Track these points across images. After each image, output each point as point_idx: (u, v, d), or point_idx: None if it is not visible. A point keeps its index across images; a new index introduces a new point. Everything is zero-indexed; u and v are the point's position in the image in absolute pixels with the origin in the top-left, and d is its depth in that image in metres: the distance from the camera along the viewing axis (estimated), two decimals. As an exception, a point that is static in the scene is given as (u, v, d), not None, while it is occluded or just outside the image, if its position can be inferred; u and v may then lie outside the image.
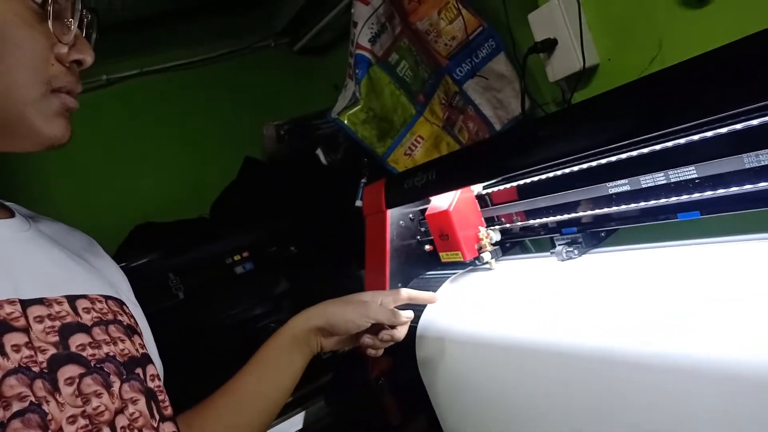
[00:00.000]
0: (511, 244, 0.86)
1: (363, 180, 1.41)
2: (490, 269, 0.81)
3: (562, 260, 0.71)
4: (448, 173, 0.80)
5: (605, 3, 0.97)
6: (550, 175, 0.72)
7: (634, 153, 0.61)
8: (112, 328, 0.54)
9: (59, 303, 0.51)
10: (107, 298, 0.56)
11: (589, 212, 0.68)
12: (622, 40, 0.98)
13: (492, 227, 0.83)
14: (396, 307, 0.76)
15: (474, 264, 0.83)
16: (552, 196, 0.72)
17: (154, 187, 1.75)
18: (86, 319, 0.52)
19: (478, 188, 0.83)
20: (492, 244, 0.81)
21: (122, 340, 0.54)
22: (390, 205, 0.92)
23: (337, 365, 1.25)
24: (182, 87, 1.80)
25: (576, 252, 0.70)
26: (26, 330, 0.47)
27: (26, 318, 0.48)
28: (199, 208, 1.69)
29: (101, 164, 1.68)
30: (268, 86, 1.92)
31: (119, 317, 0.56)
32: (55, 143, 0.53)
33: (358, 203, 1.40)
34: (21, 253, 0.53)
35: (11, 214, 0.57)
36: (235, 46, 1.88)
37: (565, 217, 0.71)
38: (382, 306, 0.74)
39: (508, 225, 0.81)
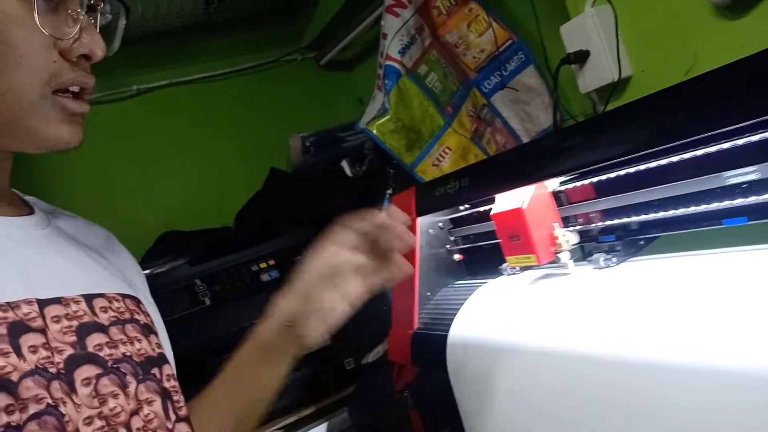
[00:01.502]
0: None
1: (389, 191, 1.41)
2: (566, 273, 0.73)
3: (599, 268, 0.70)
4: (482, 180, 0.80)
5: (639, 14, 0.97)
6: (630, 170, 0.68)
7: (675, 159, 0.60)
8: (129, 327, 0.54)
9: (76, 302, 0.51)
10: (124, 296, 0.56)
11: (635, 218, 0.66)
12: (656, 51, 0.97)
13: (569, 227, 0.74)
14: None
15: (550, 267, 0.75)
16: (621, 196, 0.67)
17: (180, 196, 1.77)
18: (103, 318, 0.52)
19: (554, 184, 0.74)
20: (570, 246, 0.72)
21: (139, 340, 0.54)
22: (420, 213, 0.92)
23: (361, 376, 1.24)
24: (210, 98, 1.83)
25: (614, 260, 0.69)
26: (43, 330, 0.47)
27: (43, 318, 0.47)
28: (224, 218, 1.70)
29: (129, 171, 1.70)
30: (294, 99, 1.94)
31: (136, 316, 0.56)
32: (61, 147, 0.51)
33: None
34: (38, 251, 0.53)
35: (30, 210, 0.57)
36: (262, 59, 1.91)
37: (639, 219, 0.69)
38: (362, 278, 0.61)
39: (587, 225, 0.72)
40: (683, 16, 0.91)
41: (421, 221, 0.93)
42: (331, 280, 0.62)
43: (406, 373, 1.05)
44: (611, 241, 0.70)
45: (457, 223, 0.94)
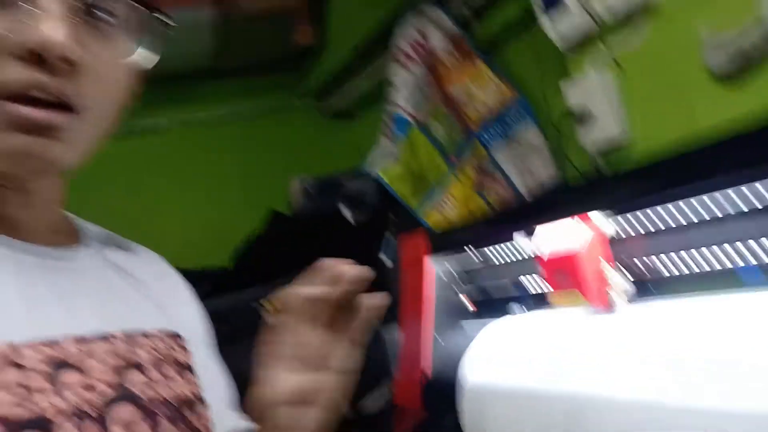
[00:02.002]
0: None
1: (390, 236, 1.44)
2: (615, 315, 0.71)
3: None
4: (493, 227, 0.83)
5: (640, 78, 1.03)
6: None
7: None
8: (166, 366, 0.52)
9: (118, 339, 0.50)
10: (165, 333, 0.55)
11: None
12: (655, 114, 1.03)
13: (620, 270, 0.72)
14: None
15: (601, 312, 0.72)
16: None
17: (181, 235, 1.77)
18: (142, 357, 0.51)
19: (605, 224, 0.73)
20: (622, 290, 0.71)
21: (175, 380, 0.53)
22: (431, 255, 0.94)
23: (362, 424, 1.22)
24: (215, 140, 1.86)
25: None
26: (83, 369, 0.46)
27: (84, 355, 0.47)
28: (221, 258, 1.71)
29: (131, 208, 1.71)
30: (296, 145, 1.98)
31: (175, 354, 0.54)
32: (31, 165, 0.45)
33: (383, 258, 1.42)
34: (85, 285, 0.52)
35: (82, 239, 0.56)
36: (267, 104, 1.96)
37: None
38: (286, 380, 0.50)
39: (637, 269, 0.72)
40: (683, 82, 0.98)
41: (431, 264, 0.95)
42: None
43: (407, 418, 1.04)
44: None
45: (466, 265, 0.97)
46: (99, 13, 0.47)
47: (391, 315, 1.44)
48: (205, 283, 1.42)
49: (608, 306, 0.69)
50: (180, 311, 0.61)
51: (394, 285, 1.43)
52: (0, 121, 0.43)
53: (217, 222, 1.81)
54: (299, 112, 2.02)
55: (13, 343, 0.43)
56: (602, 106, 1.06)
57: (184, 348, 0.57)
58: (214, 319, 1.22)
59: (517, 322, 0.82)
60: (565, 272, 0.70)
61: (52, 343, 0.45)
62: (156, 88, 1.75)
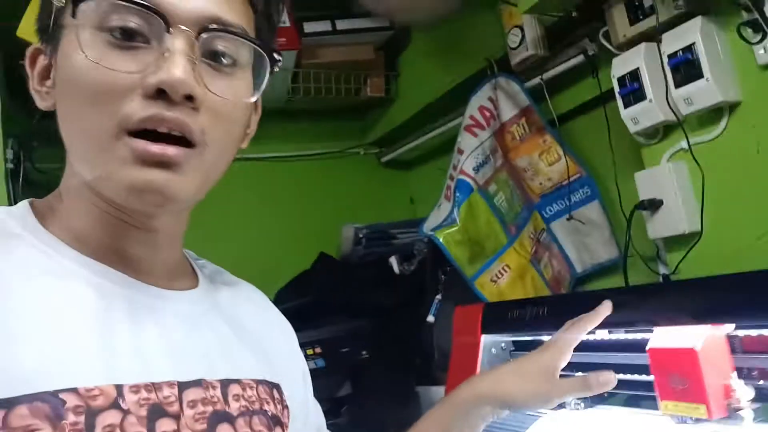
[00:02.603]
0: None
1: (438, 296, 1.43)
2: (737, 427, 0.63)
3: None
4: (558, 314, 0.81)
5: (715, 174, 1.02)
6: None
7: None
8: (255, 419, 0.53)
9: (214, 387, 0.51)
10: (259, 382, 0.56)
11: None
12: (730, 211, 1.01)
13: (744, 379, 0.64)
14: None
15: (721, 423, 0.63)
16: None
17: (226, 267, 1.80)
18: (234, 408, 0.52)
19: (728, 327, 0.66)
20: (748, 401, 0.62)
21: None
22: (486, 331, 0.93)
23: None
24: (274, 177, 1.91)
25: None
26: (178, 416, 0.47)
27: (180, 403, 0.48)
28: (266, 291, 1.72)
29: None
30: (351, 190, 2.02)
31: (266, 406, 0.55)
32: (147, 198, 0.47)
33: (430, 318, 1.41)
34: (192, 330, 0.53)
35: (195, 282, 0.58)
36: (328, 148, 2.00)
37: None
38: (564, 381, 0.65)
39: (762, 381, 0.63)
40: (760, 181, 0.96)
41: (485, 339, 0.94)
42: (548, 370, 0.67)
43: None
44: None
45: (519, 346, 0.95)
46: (221, 54, 0.49)
47: (430, 376, 1.42)
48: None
49: (727, 415, 0.63)
50: (281, 356, 0.63)
51: (436, 345, 1.42)
52: (124, 155, 0.46)
53: (268, 257, 1.84)
54: (360, 159, 2.06)
55: (118, 384, 0.45)
56: (674, 199, 1.05)
57: (280, 400, 0.58)
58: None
59: (570, 418, 0.80)
60: (679, 373, 0.64)
61: (153, 387, 0.47)
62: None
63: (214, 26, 0.48)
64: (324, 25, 1.61)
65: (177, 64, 0.45)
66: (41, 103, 0.52)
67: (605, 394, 0.83)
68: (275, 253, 1.86)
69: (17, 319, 0.45)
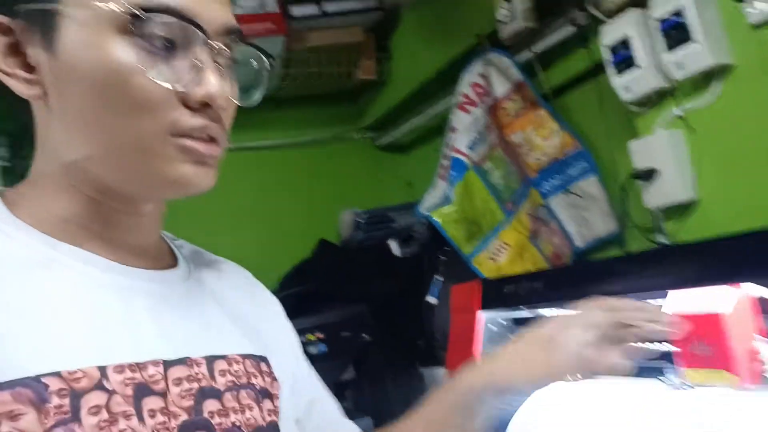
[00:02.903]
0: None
1: (438, 277, 1.43)
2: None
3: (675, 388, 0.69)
4: (554, 286, 0.81)
5: (711, 141, 1.01)
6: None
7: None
8: (243, 393, 0.54)
9: (198, 364, 0.52)
10: (246, 357, 0.57)
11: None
12: (725, 178, 1.00)
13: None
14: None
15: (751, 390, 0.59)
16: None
17: (226, 257, 1.80)
18: (220, 383, 0.53)
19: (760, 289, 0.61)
20: None
21: (251, 408, 0.54)
22: (485, 307, 0.93)
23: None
24: (270, 166, 1.90)
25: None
26: (164, 394, 0.48)
27: (166, 380, 0.49)
28: (267, 281, 1.72)
29: (183, 225, 1.75)
30: (348, 175, 2.01)
31: (253, 380, 0.56)
32: (191, 189, 0.50)
33: (431, 299, 1.41)
34: (174, 308, 0.54)
35: (174, 261, 0.59)
36: (323, 134, 1.99)
37: None
38: (577, 353, 0.59)
39: None
40: (756, 147, 0.95)
41: (484, 316, 0.94)
42: (549, 346, 0.62)
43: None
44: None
45: (519, 321, 0.95)
46: (234, 60, 0.53)
47: (434, 357, 1.42)
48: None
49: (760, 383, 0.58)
50: (269, 331, 0.64)
51: (438, 327, 1.42)
52: (171, 154, 0.49)
53: (268, 246, 1.84)
54: (355, 144, 2.05)
55: (101, 366, 0.46)
56: (670, 167, 1.03)
57: (269, 373, 0.58)
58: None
59: (570, 390, 0.80)
60: (705, 341, 0.58)
61: (140, 368, 0.48)
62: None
63: (234, 37, 0.52)
64: (311, 9, 1.59)
65: (216, 77, 0.49)
66: (26, 91, 0.49)
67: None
68: (276, 242, 1.86)
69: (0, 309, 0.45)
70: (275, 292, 1.65)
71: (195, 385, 0.50)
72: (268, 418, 0.56)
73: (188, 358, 0.51)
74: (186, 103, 0.49)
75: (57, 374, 0.44)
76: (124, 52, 0.47)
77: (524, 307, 0.90)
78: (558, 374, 0.62)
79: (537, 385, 0.65)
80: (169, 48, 0.48)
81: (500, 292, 0.89)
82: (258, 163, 1.89)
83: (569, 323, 0.62)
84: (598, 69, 1.20)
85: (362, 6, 1.65)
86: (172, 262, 0.59)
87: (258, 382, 0.56)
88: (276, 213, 1.89)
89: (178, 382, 0.49)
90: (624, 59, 1.03)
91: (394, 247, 1.66)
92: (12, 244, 0.49)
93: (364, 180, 2.06)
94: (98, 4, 0.46)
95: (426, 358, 1.45)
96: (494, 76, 1.36)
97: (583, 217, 1.36)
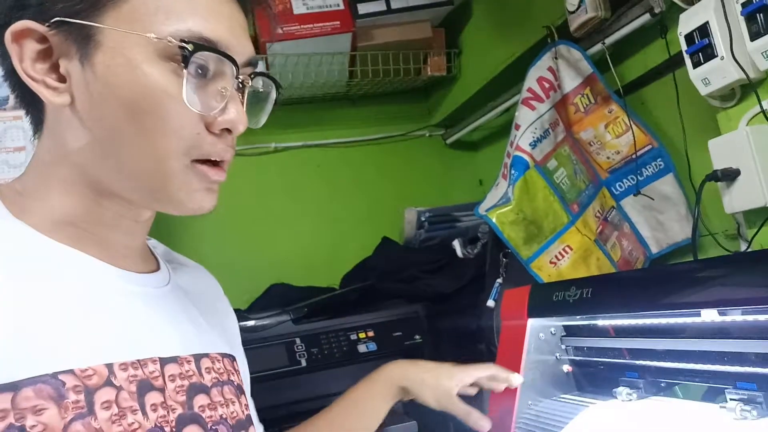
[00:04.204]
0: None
1: (499, 280, 1.37)
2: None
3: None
4: (607, 295, 0.75)
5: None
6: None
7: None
8: (226, 389, 0.57)
9: (188, 362, 0.55)
10: (224, 356, 0.60)
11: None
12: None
13: None
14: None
15: None
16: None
17: (293, 251, 1.84)
18: (207, 379, 0.56)
19: None
20: None
21: (233, 402, 0.57)
22: (532, 315, 0.87)
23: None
24: (338, 163, 1.91)
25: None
26: (162, 390, 0.51)
27: (163, 377, 0.51)
28: (330, 278, 1.74)
29: (250, 220, 1.80)
30: (416, 173, 1.98)
31: (232, 377, 0.59)
32: (196, 213, 0.54)
33: (490, 303, 1.36)
34: (162, 309, 0.57)
35: (156, 263, 0.62)
36: (392, 131, 1.98)
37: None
38: (460, 401, 0.79)
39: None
40: None
41: (532, 324, 0.88)
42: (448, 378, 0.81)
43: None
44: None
45: (570, 331, 0.89)
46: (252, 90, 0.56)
47: (492, 362, 1.37)
48: (313, 301, 1.45)
49: None
50: (231, 330, 0.68)
51: (497, 332, 1.36)
52: (196, 186, 0.52)
53: (333, 243, 1.85)
54: (425, 141, 2.02)
55: (108, 363, 0.49)
56: (753, 168, 0.93)
57: (238, 371, 0.62)
58: (315, 340, 1.24)
59: (622, 410, 0.73)
60: None
61: (141, 365, 0.50)
62: (291, 110, 1.85)
63: (254, 69, 0.55)
64: (378, 5, 1.58)
65: (239, 107, 0.53)
66: (54, 98, 0.51)
67: (662, 384, 0.76)
68: (342, 239, 1.87)
69: (15, 309, 0.47)
70: (338, 289, 1.67)
71: (186, 382, 0.53)
72: (246, 412, 0.59)
73: (178, 356, 0.54)
74: (209, 127, 0.52)
75: (71, 372, 0.46)
76: (161, 76, 0.49)
77: (574, 316, 0.84)
78: (440, 403, 0.80)
79: (432, 401, 0.81)
80: (201, 75, 0.50)
81: (549, 299, 0.84)
82: (326, 160, 1.91)
83: (469, 369, 0.79)
84: (676, 61, 1.11)
85: (430, 1, 1.62)
86: (153, 262, 0.62)
87: (235, 378, 0.60)
88: (342, 210, 1.90)
89: (173, 378, 0.52)
90: (702, 48, 0.94)
91: (458, 247, 1.62)
92: (18, 249, 0.51)
93: (434, 178, 2.02)
94: (142, 34, 0.49)
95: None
96: (563, 70, 1.29)
97: (659, 220, 1.26)
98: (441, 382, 0.77)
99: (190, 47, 0.48)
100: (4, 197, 0.54)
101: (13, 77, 0.53)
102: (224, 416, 0.55)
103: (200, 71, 0.50)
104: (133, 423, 0.48)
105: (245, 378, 0.69)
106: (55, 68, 0.51)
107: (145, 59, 0.49)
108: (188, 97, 0.49)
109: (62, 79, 0.51)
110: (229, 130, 0.53)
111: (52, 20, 0.49)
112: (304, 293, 1.56)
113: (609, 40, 1.21)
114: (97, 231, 0.55)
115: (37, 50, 0.51)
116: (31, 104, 0.55)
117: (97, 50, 0.49)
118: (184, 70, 0.49)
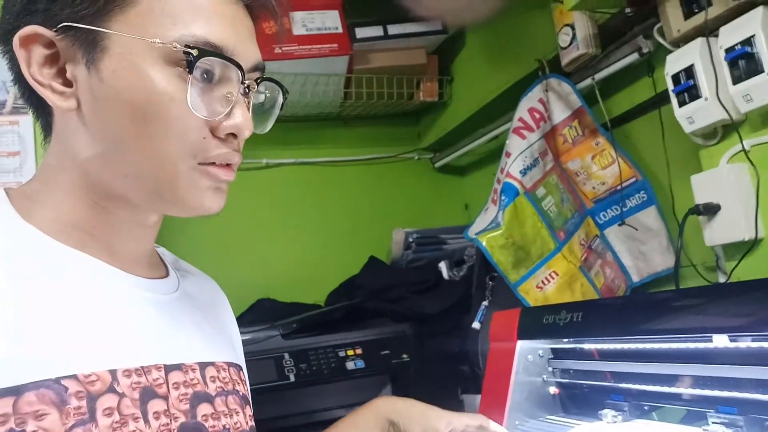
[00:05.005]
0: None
1: (485, 303, 1.40)
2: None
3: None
4: (596, 320, 0.78)
5: (780, 177, 0.95)
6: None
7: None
8: (230, 399, 0.57)
9: (193, 370, 0.54)
10: (230, 365, 0.60)
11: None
12: (795, 218, 0.93)
13: None
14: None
15: None
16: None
17: (281, 267, 1.84)
18: (211, 388, 0.55)
19: None
20: None
21: (237, 413, 0.57)
22: (522, 337, 0.90)
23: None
24: (327, 181, 1.94)
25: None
26: (166, 397, 0.50)
27: (167, 384, 0.51)
28: (316, 295, 1.75)
29: (239, 234, 1.81)
30: (403, 195, 2.01)
31: (237, 387, 0.59)
32: (205, 213, 0.54)
33: (476, 325, 1.38)
34: (169, 316, 0.56)
35: (165, 270, 0.61)
36: (382, 153, 2.01)
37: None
38: None
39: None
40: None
41: (521, 346, 0.91)
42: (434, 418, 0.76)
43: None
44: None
45: (558, 354, 0.92)
46: (257, 95, 0.56)
47: (476, 384, 1.39)
48: (300, 317, 1.46)
49: None
50: (237, 341, 0.68)
51: (482, 353, 1.39)
52: (205, 185, 0.52)
53: (320, 260, 1.87)
54: (414, 164, 2.05)
55: (112, 369, 0.48)
56: (733, 203, 0.98)
57: (244, 381, 0.62)
58: (304, 356, 1.25)
59: (606, 430, 0.76)
60: None
61: (145, 372, 0.50)
62: (284, 126, 1.87)
63: (262, 74, 0.55)
64: (376, 30, 1.62)
65: (244, 111, 0.52)
66: (61, 103, 0.51)
67: (646, 407, 0.79)
68: (328, 257, 1.89)
69: (20, 312, 0.47)
70: (323, 306, 1.67)
71: (190, 390, 0.53)
72: (250, 423, 0.59)
73: (183, 364, 0.54)
74: (214, 132, 0.51)
75: (74, 377, 0.46)
76: (166, 81, 0.49)
77: (562, 339, 0.87)
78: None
79: None
80: (206, 80, 0.50)
81: (539, 322, 0.87)
82: (317, 178, 1.93)
83: (459, 415, 0.77)
84: (661, 99, 1.16)
85: (426, 29, 1.67)
86: (162, 269, 0.61)
87: (240, 389, 0.59)
88: (330, 228, 1.91)
89: (177, 386, 0.52)
90: (687, 88, 0.99)
91: (444, 269, 1.64)
92: (26, 251, 0.50)
93: (421, 200, 2.05)
94: (148, 39, 0.49)
95: (468, 385, 1.42)
96: (553, 102, 1.34)
97: (641, 250, 1.30)
98: (430, 421, 0.74)
99: (195, 53, 0.48)
100: (13, 200, 0.54)
101: (21, 82, 0.53)
102: (227, 426, 0.55)
103: (206, 76, 0.50)
104: (134, 431, 0.47)
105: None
106: (61, 73, 0.51)
107: (151, 64, 0.49)
108: (193, 101, 0.49)
109: (68, 83, 0.51)
110: (234, 135, 0.53)
111: (60, 25, 0.49)
112: (290, 309, 1.57)
113: (598, 76, 1.26)
114: (104, 235, 0.54)
115: (44, 55, 0.51)
116: (40, 109, 0.55)
117: (103, 55, 0.50)
118: (189, 75, 0.49)
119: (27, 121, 1.34)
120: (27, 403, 0.43)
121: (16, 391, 0.43)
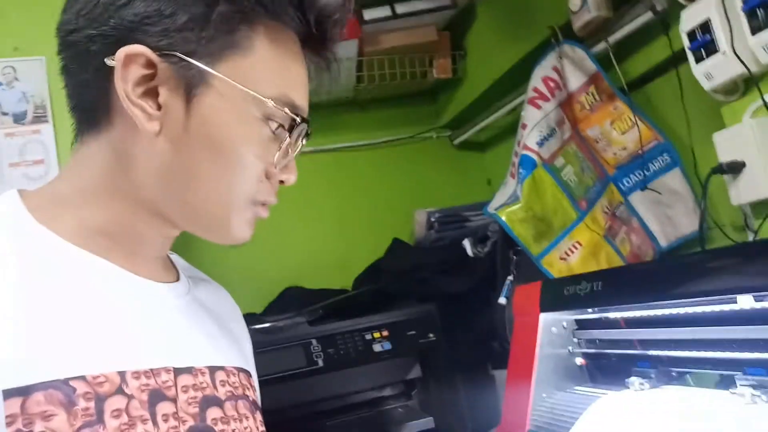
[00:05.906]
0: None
1: (510, 278, 1.39)
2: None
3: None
4: (616, 287, 0.77)
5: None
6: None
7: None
8: (240, 403, 0.57)
9: (203, 373, 0.55)
10: (240, 370, 0.60)
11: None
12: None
13: None
14: None
15: None
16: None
17: (306, 254, 1.86)
18: (221, 392, 0.55)
19: None
20: None
21: (246, 418, 0.57)
22: (544, 309, 0.89)
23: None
24: (348, 167, 1.94)
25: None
26: (174, 400, 0.51)
27: (176, 387, 0.51)
28: (344, 280, 1.77)
29: (261, 226, 1.82)
30: (424, 175, 2.00)
31: (247, 392, 0.59)
32: (237, 243, 0.58)
33: (502, 300, 1.38)
34: (180, 319, 0.57)
35: (176, 274, 0.62)
36: (400, 134, 2.00)
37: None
38: None
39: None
40: None
41: (544, 318, 0.90)
42: None
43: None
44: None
45: (582, 324, 0.90)
46: None
47: (506, 360, 1.39)
48: (326, 303, 1.48)
49: None
50: (248, 347, 0.68)
51: (510, 329, 1.38)
52: (249, 218, 0.57)
53: (344, 246, 1.88)
54: (433, 143, 2.04)
55: (121, 371, 0.49)
56: (759, 159, 0.94)
57: (253, 387, 0.62)
58: (331, 341, 1.27)
59: (634, 398, 0.75)
60: None
61: (154, 374, 0.51)
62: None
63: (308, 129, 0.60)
64: (383, 11, 1.60)
65: (294, 170, 0.60)
66: (146, 124, 0.51)
67: (673, 374, 0.78)
68: (353, 242, 1.90)
69: (30, 313, 0.48)
70: (350, 291, 1.69)
71: (200, 394, 0.53)
72: (261, 428, 0.59)
73: (193, 367, 0.54)
74: (269, 177, 0.57)
75: (82, 378, 0.46)
76: (256, 132, 0.53)
77: (586, 309, 0.86)
78: None
79: None
80: (277, 132, 0.55)
81: (560, 294, 0.86)
82: (335, 165, 1.94)
83: None
84: (679, 57, 1.12)
85: (435, 5, 1.64)
86: (174, 273, 0.63)
87: (250, 394, 0.60)
88: (353, 213, 1.92)
89: (186, 389, 0.52)
90: (704, 44, 0.95)
91: (468, 246, 1.64)
92: (37, 253, 0.51)
93: (443, 179, 2.04)
94: (248, 90, 0.52)
95: (499, 361, 1.41)
96: (568, 69, 1.31)
97: (667, 215, 1.27)
98: None
99: (298, 119, 0.54)
100: (29, 203, 0.54)
101: (81, 86, 0.53)
102: (237, 431, 0.55)
103: (280, 128, 0.55)
104: None
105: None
106: (152, 94, 0.51)
107: (248, 113, 0.53)
108: (277, 158, 0.55)
109: (158, 107, 0.52)
110: (282, 181, 0.58)
111: (169, 53, 0.50)
112: (317, 296, 1.59)
113: (612, 39, 1.23)
114: (127, 242, 0.55)
115: (141, 75, 0.51)
116: (86, 113, 0.54)
117: (207, 90, 0.51)
118: (287, 135, 0.55)
119: (48, 129, 1.38)
120: (35, 404, 0.44)
121: (24, 392, 0.44)
